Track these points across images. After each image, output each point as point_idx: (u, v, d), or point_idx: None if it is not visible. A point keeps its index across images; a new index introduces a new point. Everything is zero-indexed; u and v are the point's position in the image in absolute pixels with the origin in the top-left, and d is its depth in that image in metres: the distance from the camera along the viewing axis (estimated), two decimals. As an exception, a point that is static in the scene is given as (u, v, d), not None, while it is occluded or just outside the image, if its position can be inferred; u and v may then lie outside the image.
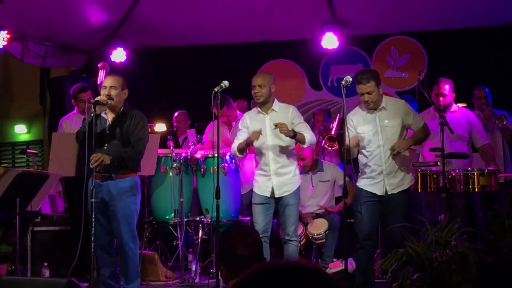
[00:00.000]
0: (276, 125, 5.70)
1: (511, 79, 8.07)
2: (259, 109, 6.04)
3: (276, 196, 5.97)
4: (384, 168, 5.69)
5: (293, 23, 8.41)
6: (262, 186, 6.03)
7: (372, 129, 5.71)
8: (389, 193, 5.68)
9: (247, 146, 6.00)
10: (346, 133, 5.44)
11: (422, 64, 8.65)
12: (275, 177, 5.95)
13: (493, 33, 8.29)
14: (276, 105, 6.02)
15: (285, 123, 5.73)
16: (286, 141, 5.90)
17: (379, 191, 5.70)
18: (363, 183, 5.78)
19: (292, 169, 6.01)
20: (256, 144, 5.97)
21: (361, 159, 5.80)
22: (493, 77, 8.00)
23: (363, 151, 5.74)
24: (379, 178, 5.70)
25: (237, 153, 6.08)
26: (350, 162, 5.70)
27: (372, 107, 5.71)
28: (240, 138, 6.03)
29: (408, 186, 5.78)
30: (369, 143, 5.67)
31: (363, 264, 5.80)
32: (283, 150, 5.95)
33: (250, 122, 6.05)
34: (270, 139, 5.94)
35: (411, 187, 5.91)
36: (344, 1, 8.00)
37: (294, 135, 5.76)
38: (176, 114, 8.34)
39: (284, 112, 5.97)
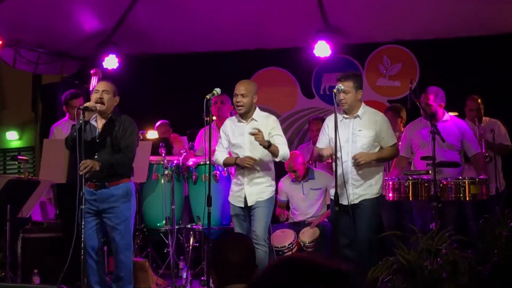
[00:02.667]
0: (252, 133, 5.58)
1: (503, 88, 8.08)
2: (239, 117, 5.96)
3: (249, 205, 5.87)
4: (351, 177, 5.63)
5: (286, 31, 8.42)
6: (235, 195, 5.98)
7: (345, 136, 5.65)
8: (351, 203, 5.57)
9: (233, 165, 5.98)
10: (337, 140, 5.41)
11: (414, 73, 8.66)
12: (248, 187, 5.86)
13: (485, 42, 8.31)
14: (257, 114, 5.90)
15: (261, 131, 5.61)
16: (263, 152, 5.78)
17: (344, 201, 5.59)
18: (333, 192, 5.56)
19: (266, 179, 5.88)
20: (234, 153, 5.96)
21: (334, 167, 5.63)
22: (485, 86, 8.01)
23: (334, 157, 5.58)
24: (345, 187, 5.59)
25: (221, 165, 6.10)
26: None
27: (346, 108, 5.68)
28: (221, 146, 6.02)
29: (374, 196, 5.66)
30: (340, 149, 5.50)
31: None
32: (259, 161, 5.82)
33: (231, 130, 5.98)
34: (247, 149, 5.86)
35: (401, 196, 5.89)
36: (336, 9, 8.02)
37: (268, 145, 5.63)
38: (156, 125, 8.23)
39: (264, 122, 5.85)
